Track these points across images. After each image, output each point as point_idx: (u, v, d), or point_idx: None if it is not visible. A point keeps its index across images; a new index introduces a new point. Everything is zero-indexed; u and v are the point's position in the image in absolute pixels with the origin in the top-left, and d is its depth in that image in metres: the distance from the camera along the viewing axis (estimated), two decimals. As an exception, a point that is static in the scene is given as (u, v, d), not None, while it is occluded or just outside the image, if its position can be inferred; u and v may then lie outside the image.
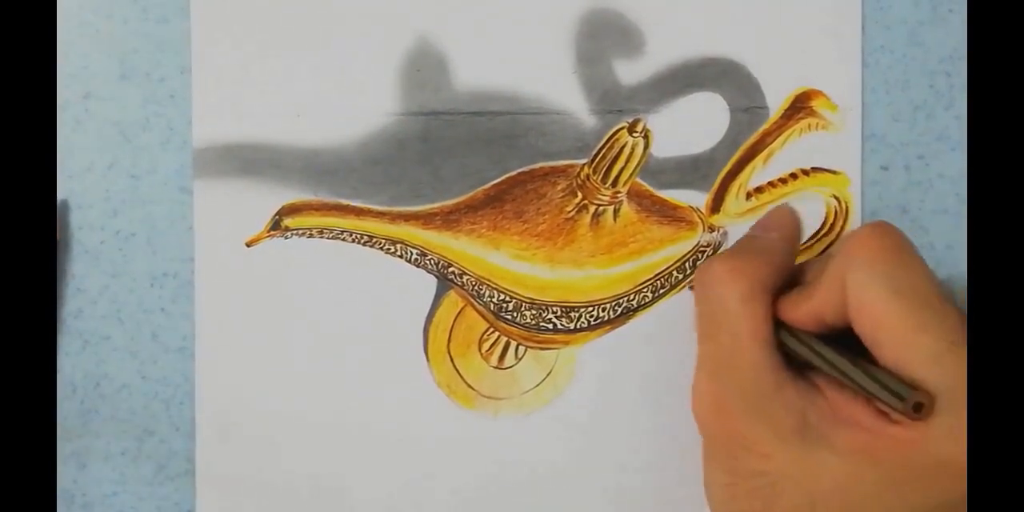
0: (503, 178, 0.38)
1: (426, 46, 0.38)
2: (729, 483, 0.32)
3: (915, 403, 0.29)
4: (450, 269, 0.38)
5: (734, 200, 0.38)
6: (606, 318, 0.38)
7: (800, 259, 0.38)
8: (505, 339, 0.38)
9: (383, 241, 0.38)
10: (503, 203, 0.38)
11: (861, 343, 0.31)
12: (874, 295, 0.30)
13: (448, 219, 0.38)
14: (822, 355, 0.32)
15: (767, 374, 0.32)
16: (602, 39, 0.38)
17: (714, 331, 0.33)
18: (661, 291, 0.38)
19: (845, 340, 0.32)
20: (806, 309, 0.32)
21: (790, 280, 0.34)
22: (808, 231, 0.38)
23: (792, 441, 0.31)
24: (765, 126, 0.38)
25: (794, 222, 0.36)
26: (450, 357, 0.38)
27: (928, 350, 0.30)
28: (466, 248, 0.38)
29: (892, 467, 0.30)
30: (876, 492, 0.30)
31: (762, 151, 0.38)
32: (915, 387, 0.30)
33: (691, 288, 0.36)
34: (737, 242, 0.36)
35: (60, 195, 0.38)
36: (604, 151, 0.38)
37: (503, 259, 0.38)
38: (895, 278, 0.31)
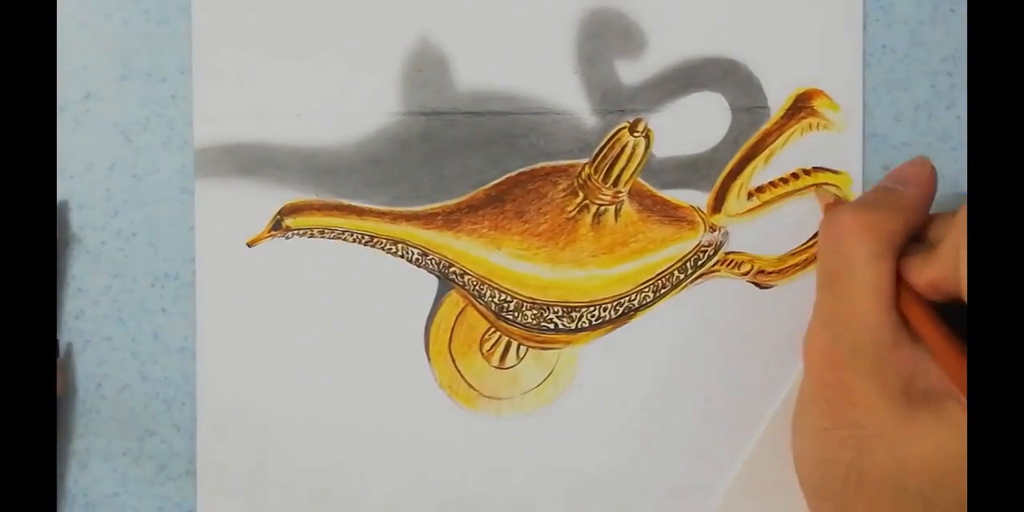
0: (504, 178, 0.38)
1: (427, 46, 0.38)
2: (826, 428, 0.32)
3: None
4: (451, 269, 0.38)
5: (735, 200, 0.38)
6: (607, 318, 0.38)
7: (792, 260, 0.38)
8: (506, 339, 0.38)
9: (384, 241, 0.38)
10: (504, 203, 0.38)
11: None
12: None
13: (449, 219, 0.38)
14: (925, 327, 0.32)
15: (884, 333, 0.32)
16: (603, 39, 0.38)
17: (835, 284, 0.33)
18: (662, 291, 0.38)
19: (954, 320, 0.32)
20: (926, 276, 0.32)
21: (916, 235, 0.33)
22: (808, 231, 0.38)
23: (897, 401, 0.31)
24: (766, 126, 0.38)
25: (931, 177, 0.34)
26: (451, 357, 0.38)
27: None
28: (467, 248, 0.38)
29: None
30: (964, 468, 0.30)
31: (763, 151, 0.38)
32: None
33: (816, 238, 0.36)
34: (870, 192, 0.35)
35: (60, 195, 0.38)
36: (605, 151, 0.38)
37: (504, 259, 0.38)
38: None
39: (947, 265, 0.31)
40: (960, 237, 0.31)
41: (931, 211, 0.34)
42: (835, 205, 0.36)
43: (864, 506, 0.31)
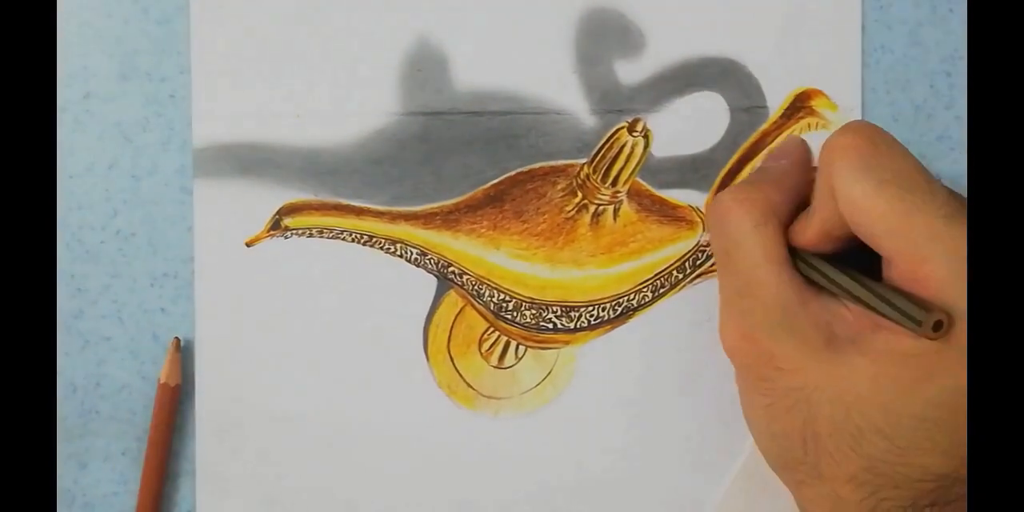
0: (503, 178, 0.38)
1: (426, 46, 0.38)
2: (768, 404, 0.32)
3: (934, 323, 0.30)
4: (450, 269, 0.38)
5: (734, 200, 0.38)
6: (606, 318, 0.38)
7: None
8: (505, 339, 0.38)
9: (383, 241, 0.38)
10: (503, 203, 0.38)
11: (877, 262, 0.32)
12: (860, 191, 0.31)
13: (448, 219, 0.38)
14: (836, 282, 0.32)
15: (788, 293, 0.32)
16: (602, 39, 0.38)
17: (729, 260, 0.33)
18: (661, 291, 0.38)
19: (860, 261, 0.32)
20: (813, 229, 0.33)
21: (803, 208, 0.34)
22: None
23: (822, 353, 0.31)
24: (765, 126, 0.38)
25: (804, 149, 0.36)
26: (450, 357, 0.38)
27: (924, 229, 0.30)
28: (466, 248, 0.38)
29: (922, 361, 0.30)
30: (910, 387, 0.30)
31: (762, 151, 0.38)
32: (929, 308, 0.30)
33: (702, 227, 0.37)
34: (749, 174, 0.37)
35: (60, 195, 0.38)
36: (604, 151, 0.38)
37: (503, 259, 0.38)
38: (875, 169, 0.31)
39: (825, 206, 0.32)
40: (825, 171, 0.32)
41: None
42: (716, 194, 0.37)
43: (830, 463, 0.31)
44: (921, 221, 0.30)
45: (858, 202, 0.31)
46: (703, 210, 0.38)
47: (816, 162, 0.36)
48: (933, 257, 0.30)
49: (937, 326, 0.30)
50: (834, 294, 0.33)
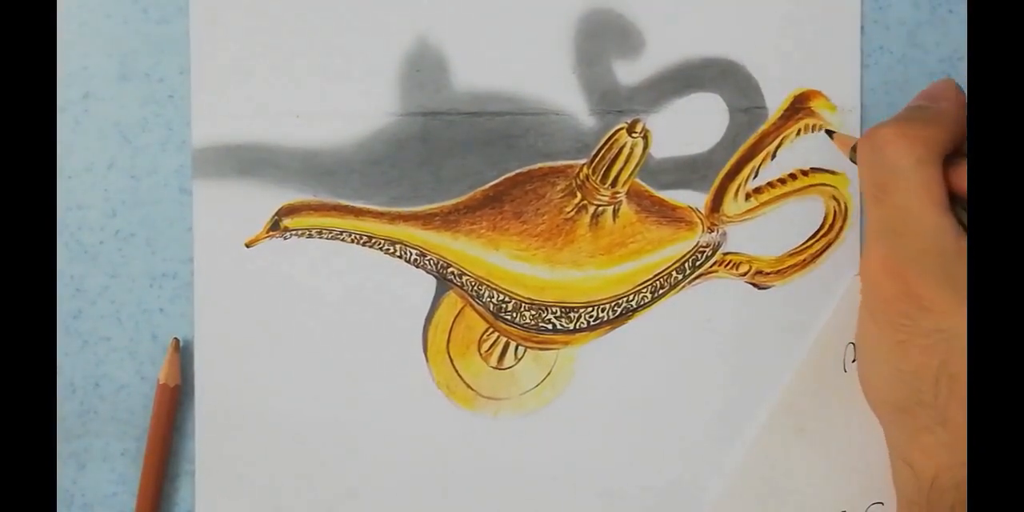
0: (502, 178, 0.38)
1: (425, 47, 0.38)
2: (902, 340, 0.32)
3: None
4: (449, 269, 0.38)
5: (733, 200, 0.38)
6: (605, 318, 0.38)
7: (791, 260, 0.38)
8: (504, 339, 0.38)
9: (382, 241, 0.38)
10: (502, 203, 0.38)
11: None
12: None
13: (447, 219, 0.38)
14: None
15: (948, 237, 0.32)
16: (601, 39, 0.38)
17: (884, 195, 0.33)
18: (660, 291, 0.38)
19: None
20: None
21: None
22: (808, 231, 0.38)
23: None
24: (764, 126, 0.38)
25: (959, 93, 0.35)
26: (449, 357, 0.38)
27: None
28: (465, 248, 0.38)
29: None
30: None
31: (761, 151, 0.38)
32: None
33: (852, 155, 0.36)
34: (903, 110, 0.35)
35: (59, 195, 0.38)
36: (603, 151, 0.38)
37: (502, 259, 0.38)
38: None
39: None
40: None
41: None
42: (871, 128, 0.35)
43: (959, 408, 0.31)
44: None
45: None
46: (702, 211, 0.38)
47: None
48: None
49: None
50: None
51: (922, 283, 0.32)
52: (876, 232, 0.33)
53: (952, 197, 0.33)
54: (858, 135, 0.38)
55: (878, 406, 0.34)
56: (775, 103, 0.38)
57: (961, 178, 0.33)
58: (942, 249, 0.32)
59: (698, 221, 0.38)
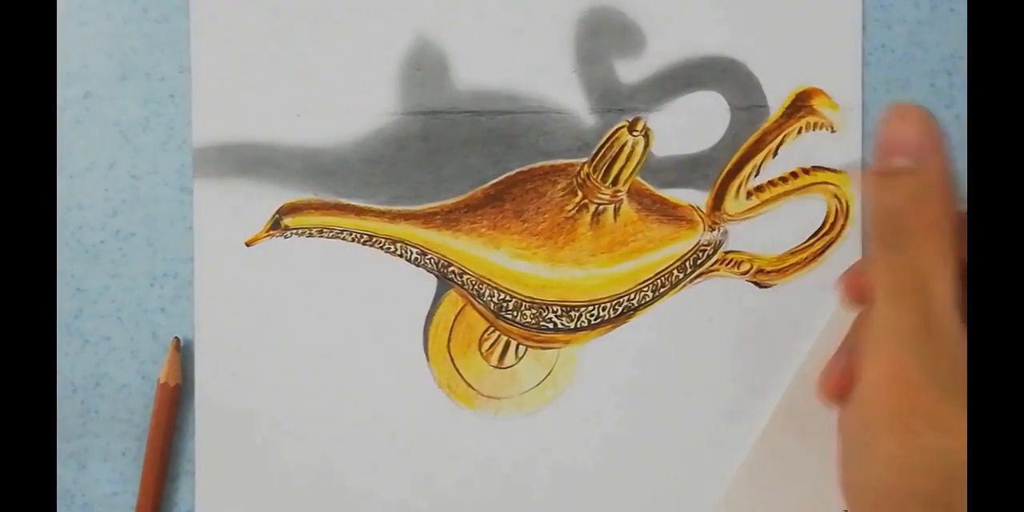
0: (503, 177, 0.38)
1: (426, 45, 0.38)
2: (902, 457, 0.29)
3: None
4: (450, 268, 0.38)
5: (734, 199, 0.38)
6: (606, 317, 0.38)
7: (792, 259, 0.38)
8: (505, 338, 0.38)
9: (383, 240, 0.38)
10: (503, 202, 0.38)
11: None
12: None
13: (448, 218, 0.38)
14: None
15: (965, 347, 0.29)
16: (602, 38, 0.38)
17: (905, 294, 0.29)
18: (661, 290, 0.38)
19: None
20: None
21: None
22: (809, 230, 0.38)
23: None
24: (765, 125, 0.38)
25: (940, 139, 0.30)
26: (450, 357, 0.38)
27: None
28: (466, 247, 0.38)
29: None
30: None
31: (762, 150, 0.38)
32: None
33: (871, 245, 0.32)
34: (913, 181, 0.31)
35: (59, 195, 0.38)
36: (604, 150, 0.38)
37: (503, 258, 0.38)
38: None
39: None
40: None
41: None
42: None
43: None
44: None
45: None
46: (703, 209, 0.38)
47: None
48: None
49: None
50: None
51: (935, 396, 0.28)
52: (889, 334, 0.29)
53: None
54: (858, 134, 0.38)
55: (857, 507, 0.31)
56: (776, 101, 0.38)
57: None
58: (960, 361, 0.29)
59: (699, 220, 0.38)
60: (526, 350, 0.38)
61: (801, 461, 0.38)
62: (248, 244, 0.38)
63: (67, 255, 0.38)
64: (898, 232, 0.29)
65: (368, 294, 0.38)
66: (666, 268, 0.38)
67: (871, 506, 0.30)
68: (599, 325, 0.38)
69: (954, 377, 0.28)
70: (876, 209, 0.30)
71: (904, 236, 0.29)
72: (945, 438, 0.28)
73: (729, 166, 0.38)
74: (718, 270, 0.38)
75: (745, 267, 0.38)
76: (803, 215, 0.38)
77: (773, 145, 0.38)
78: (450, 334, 0.38)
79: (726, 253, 0.38)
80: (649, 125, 0.38)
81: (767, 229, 0.38)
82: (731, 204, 0.38)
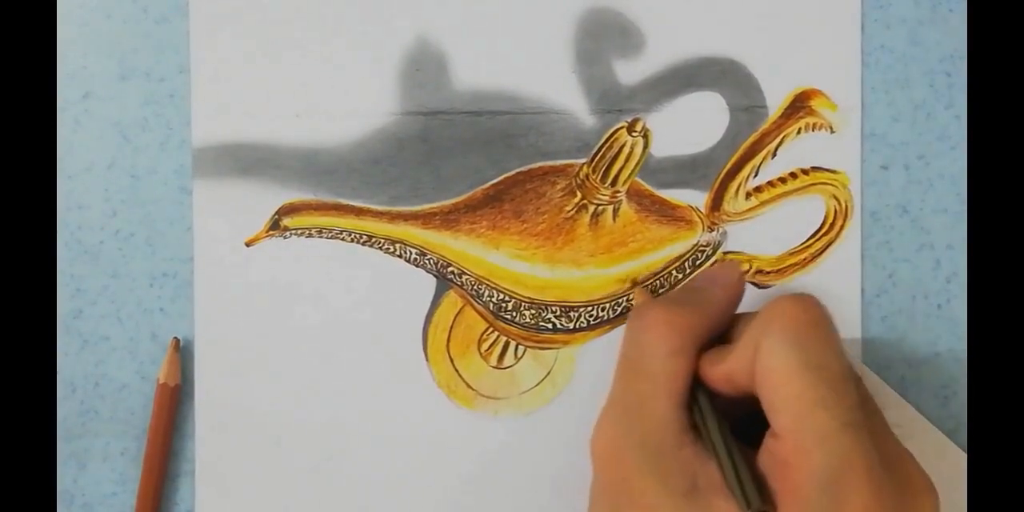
0: (502, 178, 0.38)
1: (425, 46, 0.38)
2: None
3: None
4: (449, 269, 0.38)
5: (733, 199, 0.38)
6: (605, 318, 0.38)
7: (791, 260, 0.38)
8: (504, 339, 0.38)
9: (382, 241, 0.38)
10: (502, 203, 0.38)
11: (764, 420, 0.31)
12: (782, 363, 0.30)
13: (447, 219, 0.38)
14: (710, 436, 0.32)
15: (672, 432, 0.32)
16: (601, 38, 0.38)
17: (632, 377, 0.33)
18: (661, 291, 0.38)
19: (751, 413, 0.32)
20: (721, 369, 0.32)
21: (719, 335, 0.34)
22: (808, 231, 0.38)
23: (679, 502, 0.30)
24: (765, 125, 0.38)
25: (740, 280, 0.35)
26: (449, 357, 0.38)
27: (821, 427, 0.29)
28: (465, 248, 0.38)
29: None
30: None
31: (761, 150, 0.38)
32: (766, 500, 0.29)
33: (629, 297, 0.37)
34: (679, 289, 0.37)
35: (59, 195, 0.38)
36: (603, 150, 0.38)
37: (502, 259, 0.38)
38: (806, 351, 0.30)
39: (742, 357, 0.31)
40: (757, 332, 0.31)
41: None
42: (645, 301, 0.36)
43: None
44: (822, 418, 0.29)
45: (774, 373, 0.30)
46: (703, 210, 0.38)
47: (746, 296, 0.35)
48: (812, 454, 0.29)
49: None
50: (708, 447, 0.32)
51: (637, 472, 0.31)
52: (614, 405, 0.33)
53: (696, 392, 0.33)
54: (858, 135, 0.38)
55: None
56: (775, 102, 0.38)
57: (715, 371, 0.32)
58: (663, 444, 0.31)
59: (698, 220, 0.38)
60: (525, 350, 0.38)
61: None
62: (248, 244, 0.38)
63: (67, 255, 0.38)
64: (641, 315, 0.33)
65: (367, 294, 0.38)
66: (665, 268, 0.38)
67: None
68: (598, 325, 0.38)
69: (655, 456, 0.31)
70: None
71: (645, 320, 0.33)
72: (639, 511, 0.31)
73: (728, 167, 0.38)
74: (717, 270, 0.38)
75: (744, 267, 0.38)
76: (802, 216, 0.38)
77: (772, 146, 0.38)
78: (449, 334, 0.38)
79: (725, 254, 0.38)
80: (648, 126, 0.38)
81: (766, 230, 0.38)
82: (730, 205, 0.38)
